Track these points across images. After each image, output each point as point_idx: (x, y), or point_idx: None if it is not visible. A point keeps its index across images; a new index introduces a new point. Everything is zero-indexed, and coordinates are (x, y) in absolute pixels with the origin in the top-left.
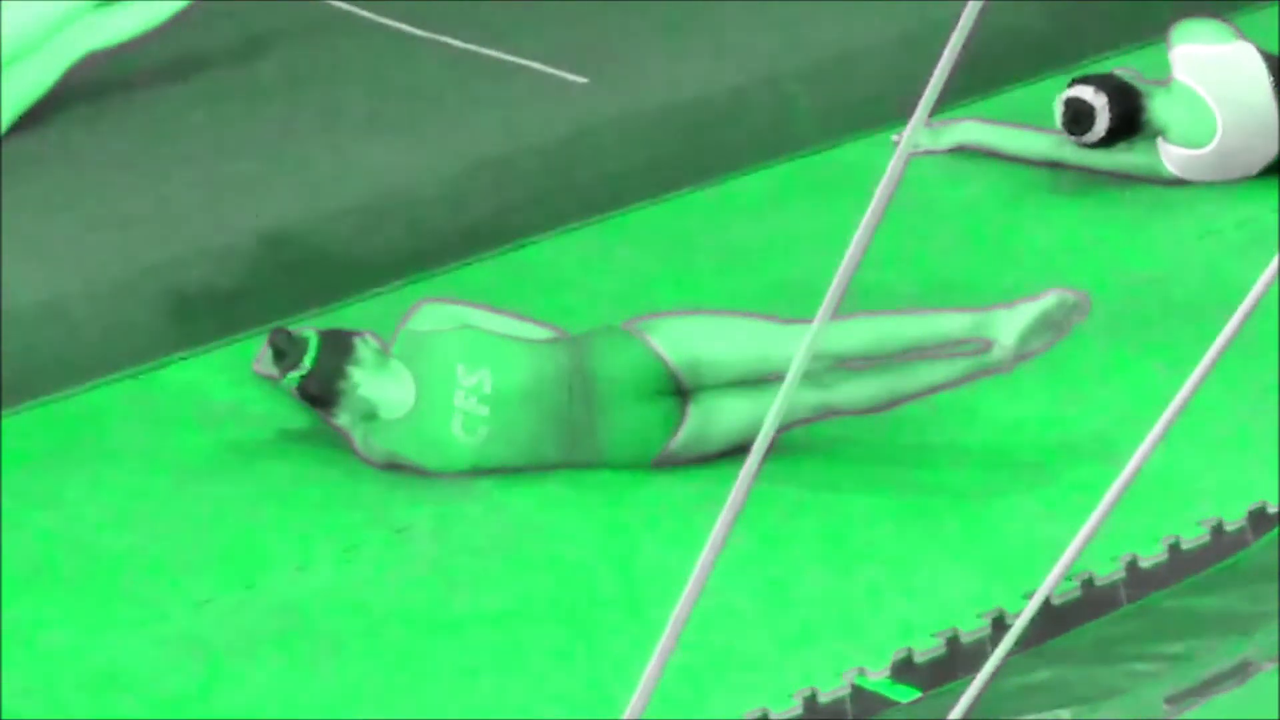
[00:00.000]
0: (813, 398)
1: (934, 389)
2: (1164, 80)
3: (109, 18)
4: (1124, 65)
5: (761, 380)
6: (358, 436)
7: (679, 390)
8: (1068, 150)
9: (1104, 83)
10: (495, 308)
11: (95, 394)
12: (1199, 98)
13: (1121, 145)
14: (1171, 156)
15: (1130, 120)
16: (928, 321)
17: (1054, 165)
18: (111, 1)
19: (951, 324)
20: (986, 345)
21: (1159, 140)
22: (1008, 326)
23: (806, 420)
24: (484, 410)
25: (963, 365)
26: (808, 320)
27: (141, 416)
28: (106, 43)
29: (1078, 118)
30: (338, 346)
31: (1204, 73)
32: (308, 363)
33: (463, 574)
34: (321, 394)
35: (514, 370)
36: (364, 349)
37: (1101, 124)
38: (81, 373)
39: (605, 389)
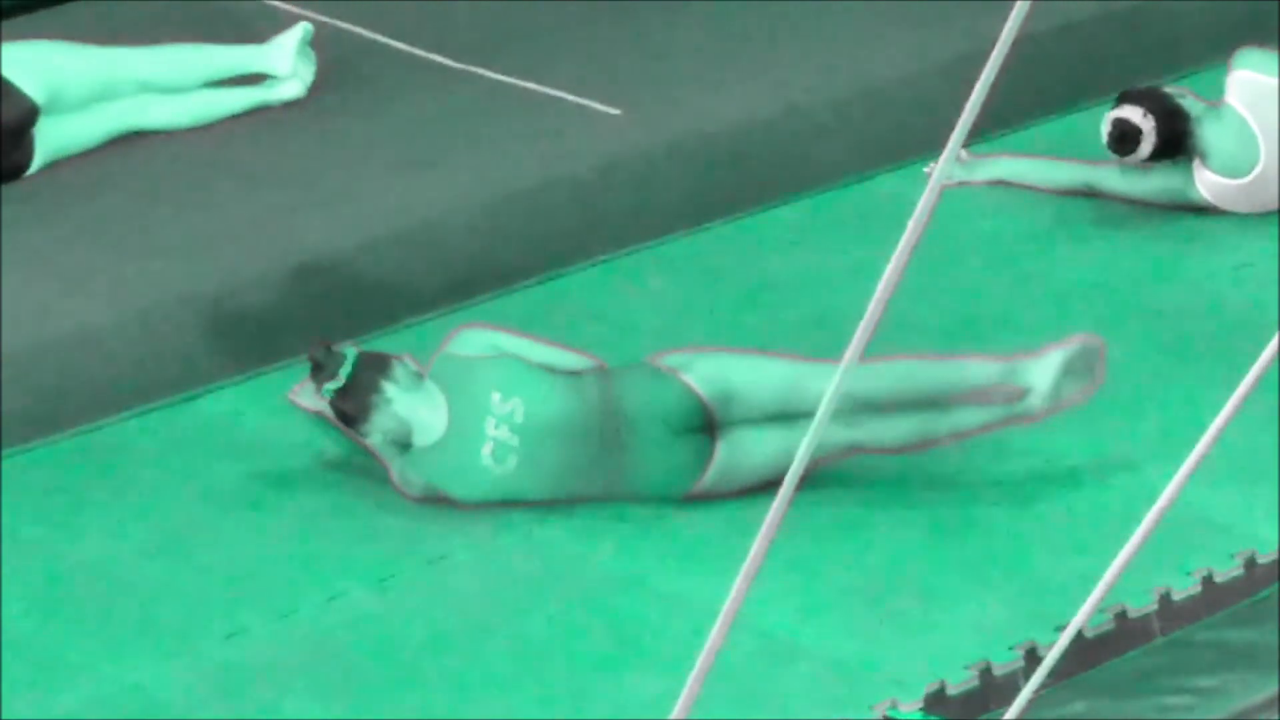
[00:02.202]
0: (841, 436)
1: (964, 434)
2: (1216, 102)
3: (164, 105)
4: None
5: (790, 417)
6: (395, 469)
7: (709, 425)
8: (1100, 180)
9: (1153, 104)
10: (532, 335)
11: (129, 423)
12: (1247, 125)
13: (1158, 165)
14: (1207, 182)
15: (1175, 143)
16: (957, 369)
17: (1087, 194)
18: (171, 93)
19: (981, 372)
20: (1018, 393)
21: (1196, 164)
22: (1039, 375)
23: (834, 458)
24: (515, 440)
25: (994, 412)
26: (838, 360)
27: (176, 446)
28: (155, 127)
29: (1124, 138)
30: (375, 363)
31: (1257, 102)
32: (344, 375)
33: (497, 605)
34: (356, 409)
35: (546, 402)
36: (400, 369)
37: (1147, 147)
38: (116, 402)
39: (637, 425)
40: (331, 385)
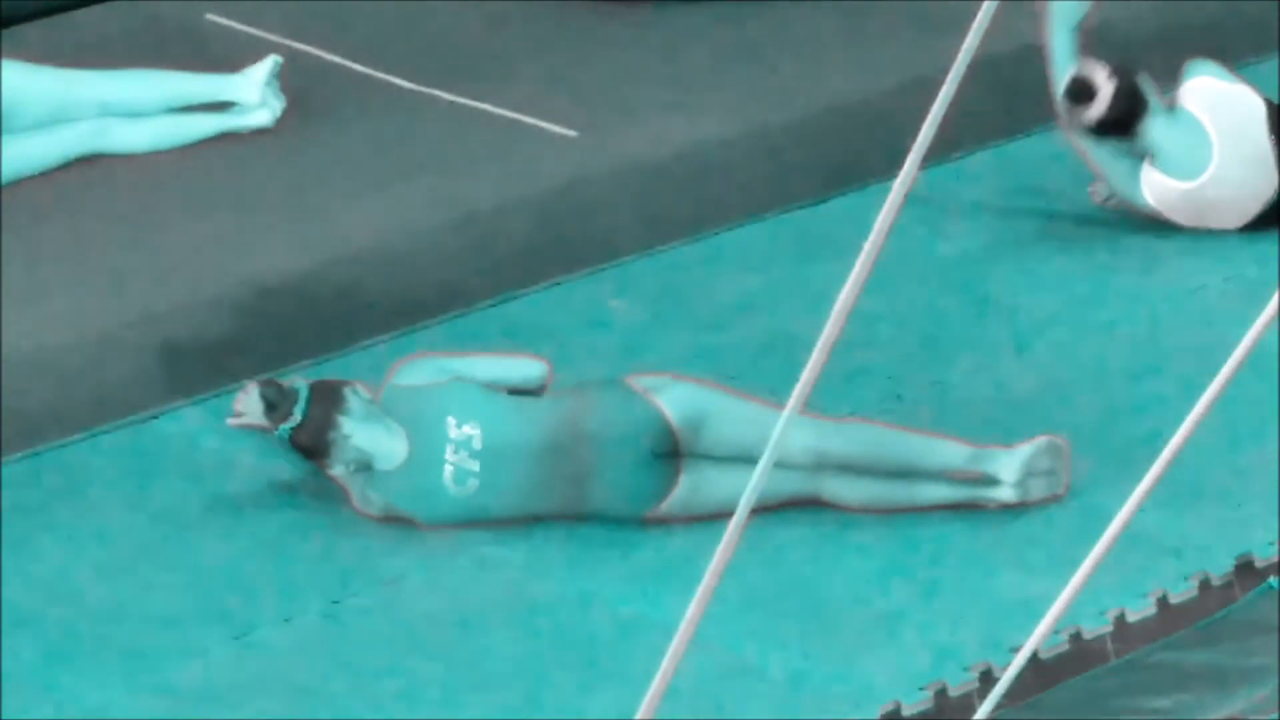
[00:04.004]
0: (802, 486)
1: (925, 508)
2: (1171, 100)
3: (127, 128)
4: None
5: (757, 461)
6: (355, 490)
7: (674, 452)
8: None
9: (1120, 73)
10: (479, 352)
11: (85, 444)
12: (1201, 127)
13: (1108, 144)
14: (1153, 184)
15: (1127, 118)
16: (926, 446)
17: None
18: (132, 116)
19: (950, 454)
20: (983, 478)
21: (1144, 165)
22: (1006, 466)
23: (792, 502)
24: (474, 464)
25: (959, 493)
26: (814, 415)
27: (132, 467)
28: (117, 150)
29: (1080, 93)
30: (328, 396)
31: (1210, 104)
32: (298, 414)
33: (453, 626)
34: (314, 444)
35: (505, 425)
36: (354, 399)
37: (1099, 108)
38: (72, 423)
39: (602, 445)
40: (287, 425)
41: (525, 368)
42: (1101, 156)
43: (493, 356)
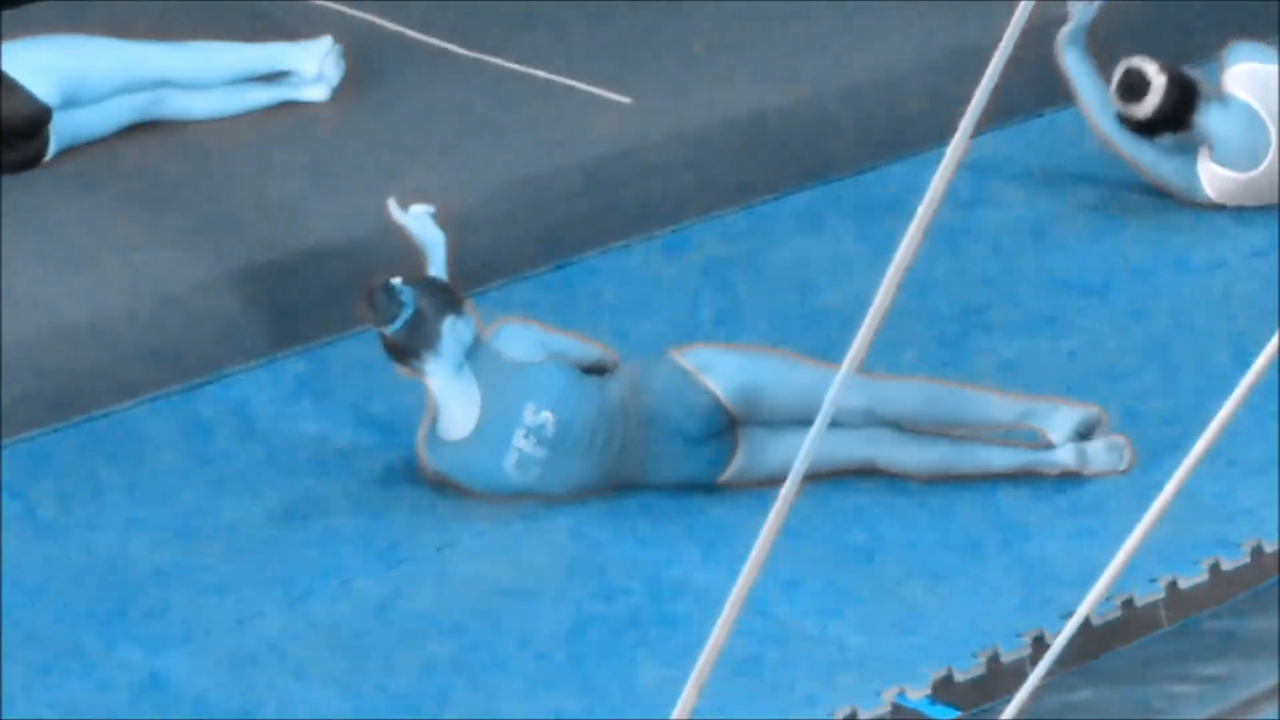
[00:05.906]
0: (860, 452)
1: (985, 474)
2: (1217, 91)
3: (184, 99)
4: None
5: (812, 423)
6: (424, 436)
7: (730, 427)
8: (1121, 137)
9: (1168, 66)
10: (544, 323)
11: (142, 409)
12: (1255, 113)
13: (1163, 140)
14: (1213, 176)
15: (1180, 112)
16: (978, 401)
17: (1105, 138)
18: (193, 89)
19: (1001, 410)
20: (1041, 437)
21: (1200, 157)
22: (1057, 422)
23: (849, 470)
24: (541, 452)
25: (1020, 459)
26: (867, 374)
27: (188, 432)
28: (172, 117)
29: (1132, 88)
30: (446, 298)
31: (1260, 88)
32: (405, 314)
33: (507, 591)
34: (416, 343)
35: (577, 414)
36: (467, 321)
37: (1152, 102)
38: (129, 388)
39: (658, 431)
40: (392, 326)
41: (599, 355)
42: (1152, 159)
43: (576, 339)
